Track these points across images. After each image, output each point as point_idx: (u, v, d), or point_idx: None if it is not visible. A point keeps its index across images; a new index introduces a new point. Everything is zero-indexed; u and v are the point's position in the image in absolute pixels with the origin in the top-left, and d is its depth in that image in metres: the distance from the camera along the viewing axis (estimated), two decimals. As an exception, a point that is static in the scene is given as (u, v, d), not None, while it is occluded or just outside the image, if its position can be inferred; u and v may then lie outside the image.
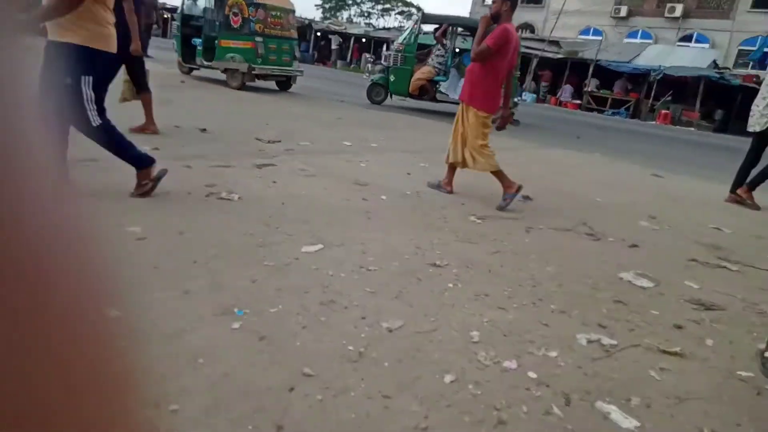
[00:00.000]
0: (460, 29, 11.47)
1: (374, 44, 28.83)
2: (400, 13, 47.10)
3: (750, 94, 19.42)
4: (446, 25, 10.58)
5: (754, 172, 5.54)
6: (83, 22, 2.86)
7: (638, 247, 3.62)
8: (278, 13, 10.35)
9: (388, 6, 47.59)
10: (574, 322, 2.41)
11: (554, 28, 25.03)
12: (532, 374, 1.92)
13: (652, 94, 20.39)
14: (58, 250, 0.19)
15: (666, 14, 25.91)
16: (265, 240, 2.86)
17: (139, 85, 5.18)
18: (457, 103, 4.60)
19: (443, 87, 10.38)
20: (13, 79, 0.18)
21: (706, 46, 24.89)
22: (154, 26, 10.69)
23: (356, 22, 42.10)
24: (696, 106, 19.49)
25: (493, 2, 4.05)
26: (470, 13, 34.66)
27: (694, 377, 2.08)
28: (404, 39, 10.54)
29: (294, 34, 10.98)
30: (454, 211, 3.92)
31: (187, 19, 11.27)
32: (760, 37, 22.43)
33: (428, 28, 12.46)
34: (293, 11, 11.04)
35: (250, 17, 9.86)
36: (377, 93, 11.14)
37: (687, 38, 25.86)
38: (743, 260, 3.62)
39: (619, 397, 1.86)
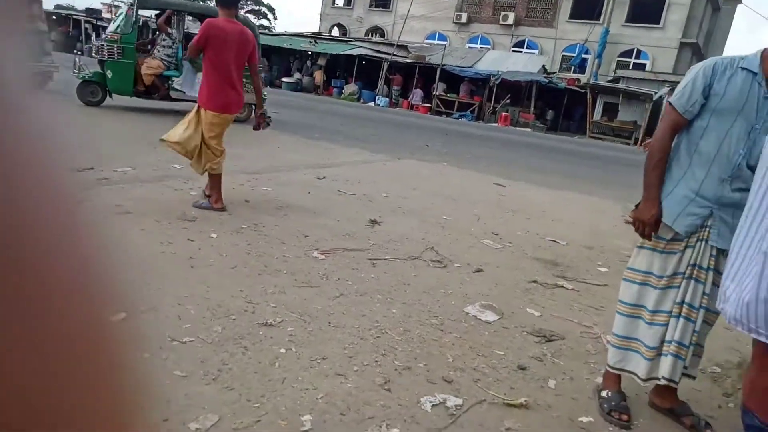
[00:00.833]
0: (189, 17, 10.00)
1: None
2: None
3: (573, 96, 21.88)
4: (170, 11, 9.08)
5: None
6: None
7: (483, 272, 3.60)
8: None
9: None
10: (418, 380, 2.21)
11: (402, 33, 25.85)
12: (369, 471, 1.67)
13: (493, 97, 21.89)
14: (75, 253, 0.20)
15: (501, 21, 28.02)
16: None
17: None
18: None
19: (177, 83, 8.99)
20: (18, 81, 0.18)
21: (536, 52, 27.38)
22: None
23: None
24: (531, 108, 21.29)
25: None
26: (320, 14, 34.46)
27: (539, 435, 1.98)
28: (118, 27, 8.81)
29: None
30: (295, 246, 3.58)
31: None
32: (578, 45, 25.24)
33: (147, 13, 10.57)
34: None
35: None
36: (93, 93, 9.01)
37: (520, 44, 28.22)
38: (577, 276, 3.78)
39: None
